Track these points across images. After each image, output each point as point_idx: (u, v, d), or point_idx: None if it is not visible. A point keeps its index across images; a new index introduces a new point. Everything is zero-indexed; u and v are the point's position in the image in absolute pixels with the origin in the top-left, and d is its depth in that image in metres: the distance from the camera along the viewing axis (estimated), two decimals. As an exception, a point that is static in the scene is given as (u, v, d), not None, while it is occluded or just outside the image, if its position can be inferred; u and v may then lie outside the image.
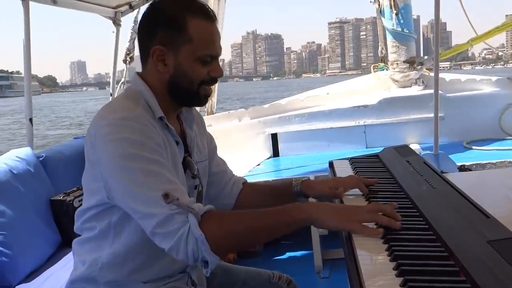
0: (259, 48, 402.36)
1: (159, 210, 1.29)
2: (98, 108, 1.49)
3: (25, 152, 2.83)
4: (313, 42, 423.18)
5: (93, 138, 1.40)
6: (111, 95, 4.40)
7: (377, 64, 5.87)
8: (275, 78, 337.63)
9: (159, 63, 1.47)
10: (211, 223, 1.31)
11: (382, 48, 5.69)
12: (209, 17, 1.47)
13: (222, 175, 1.78)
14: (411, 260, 1.09)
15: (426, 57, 5.27)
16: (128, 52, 4.40)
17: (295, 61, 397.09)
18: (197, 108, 4.94)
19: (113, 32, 4.21)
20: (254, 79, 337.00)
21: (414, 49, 5.24)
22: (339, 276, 3.29)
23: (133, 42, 4.42)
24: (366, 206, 1.38)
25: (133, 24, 4.36)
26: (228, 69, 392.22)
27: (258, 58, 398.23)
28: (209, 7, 1.50)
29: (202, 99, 1.53)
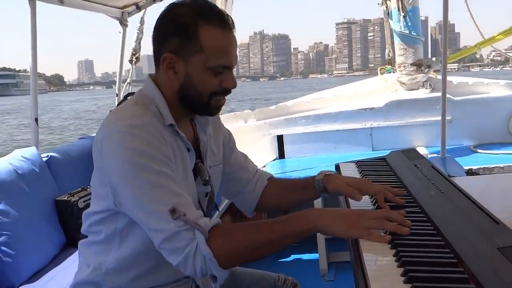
0: (266, 48, 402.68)
1: (166, 226, 1.28)
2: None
3: (30, 152, 2.82)
4: (321, 43, 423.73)
5: (100, 144, 1.38)
6: (116, 95, 4.40)
7: (384, 67, 5.85)
8: (282, 79, 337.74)
9: (169, 71, 1.42)
10: (218, 239, 1.29)
11: (390, 51, 5.66)
12: (225, 25, 1.40)
13: (243, 171, 1.75)
14: (419, 266, 1.07)
15: (434, 58, 5.23)
16: (134, 53, 4.40)
17: (302, 62, 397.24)
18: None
19: (120, 32, 4.21)
20: (261, 79, 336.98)
21: (421, 51, 5.21)
22: (344, 279, 3.28)
23: (139, 43, 4.42)
24: (373, 212, 1.35)
25: (139, 25, 4.36)
26: (235, 69, 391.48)
27: (265, 58, 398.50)
28: (227, 14, 1.43)
29: (213, 110, 1.49)
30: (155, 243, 1.31)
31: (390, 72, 5.62)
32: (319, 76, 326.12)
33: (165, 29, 1.42)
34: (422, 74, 5.12)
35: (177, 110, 1.47)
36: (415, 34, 5.12)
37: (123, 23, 4.17)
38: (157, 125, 1.39)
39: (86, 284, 1.52)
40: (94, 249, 1.51)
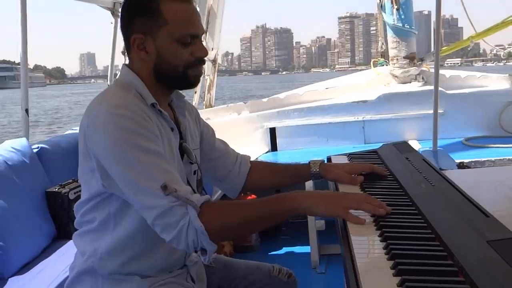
0: (269, 42, 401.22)
1: (159, 202, 1.30)
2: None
3: (20, 143, 2.80)
4: (323, 37, 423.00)
5: (86, 129, 1.40)
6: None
7: (377, 59, 5.84)
8: (284, 73, 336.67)
9: (141, 52, 1.47)
10: (209, 214, 1.33)
11: (383, 43, 5.65)
12: None
13: (226, 156, 1.79)
14: (409, 259, 1.07)
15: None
16: (126, 44, 4.37)
17: (305, 56, 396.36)
18: (195, 101, 4.91)
19: (112, 23, 4.17)
20: (262, 73, 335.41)
21: (414, 44, 5.20)
22: (335, 272, 3.28)
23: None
24: (354, 194, 1.42)
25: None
26: (237, 63, 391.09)
27: (267, 52, 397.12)
28: None
29: (192, 81, 1.53)
30: (148, 220, 1.34)
31: (383, 65, 5.61)
32: (321, 70, 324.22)
33: (129, 12, 1.48)
34: (414, 67, 5.12)
35: (156, 91, 1.50)
36: (408, 27, 5.11)
37: (115, 14, 4.13)
38: (140, 105, 1.42)
39: (82, 274, 1.52)
40: (88, 237, 1.51)
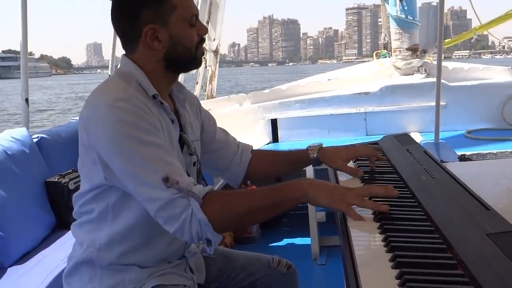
0: (275, 33, 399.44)
1: (161, 195, 1.31)
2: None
3: (20, 132, 2.80)
4: (330, 28, 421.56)
5: (87, 121, 1.39)
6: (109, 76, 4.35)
7: (379, 51, 5.81)
8: (290, 64, 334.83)
9: (153, 42, 1.46)
10: (212, 205, 1.33)
11: (385, 35, 5.63)
12: None
13: (227, 146, 1.80)
14: (408, 251, 1.06)
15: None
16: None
17: (311, 47, 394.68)
18: (197, 92, 4.90)
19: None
20: (269, 64, 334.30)
21: (417, 36, 5.17)
22: (335, 263, 3.28)
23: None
24: (357, 189, 1.40)
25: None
26: (243, 54, 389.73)
27: (274, 43, 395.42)
28: None
29: (200, 61, 1.56)
30: (150, 212, 1.34)
31: (386, 57, 5.59)
32: (328, 61, 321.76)
33: (134, 6, 1.46)
34: (417, 59, 5.10)
35: (158, 82, 1.50)
36: (411, 18, 5.08)
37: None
38: (141, 97, 1.42)
39: (80, 264, 1.52)
40: (87, 228, 1.51)
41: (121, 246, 1.48)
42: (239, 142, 1.84)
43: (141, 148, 1.33)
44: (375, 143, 2.17)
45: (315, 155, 1.77)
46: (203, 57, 1.58)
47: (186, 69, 1.63)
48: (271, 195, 1.40)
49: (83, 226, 1.52)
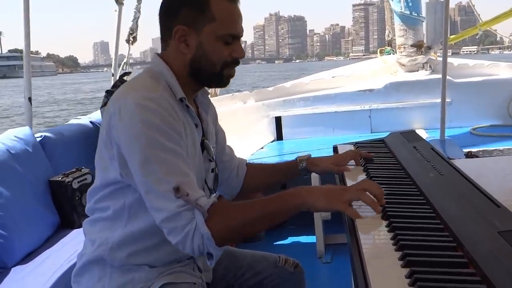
0: (282, 30, 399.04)
1: (168, 206, 1.31)
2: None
3: (23, 131, 2.78)
4: (337, 25, 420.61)
5: (112, 116, 1.39)
6: (112, 75, 4.34)
7: (383, 48, 5.79)
8: (297, 61, 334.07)
9: (181, 44, 1.46)
10: (216, 219, 1.33)
11: (390, 32, 5.60)
12: None
13: (231, 162, 1.81)
14: (417, 250, 1.04)
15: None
16: (131, 32, 4.33)
17: (318, 44, 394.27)
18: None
19: (116, 11, 4.14)
20: (276, 62, 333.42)
21: (422, 32, 5.15)
22: (341, 261, 3.26)
23: (136, 22, 4.35)
24: (355, 185, 1.43)
25: (136, 3, 4.29)
26: (250, 51, 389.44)
27: (280, 40, 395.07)
28: None
29: (224, 81, 1.54)
30: (156, 220, 1.34)
31: (390, 54, 5.56)
32: (334, 58, 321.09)
33: (176, 3, 1.47)
34: (422, 56, 5.07)
35: (185, 86, 1.49)
36: (415, 14, 5.06)
37: (119, 2, 4.10)
38: (169, 99, 1.42)
39: (91, 263, 1.51)
40: (100, 225, 1.50)
41: (133, 246, 1.47)
42: (237, 157, 1.87)
43: (160, 153, 1.32)
44: (381, 140, 2.15)
45: (304, 165, 1.80)
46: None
47: (208, 84, 1.59)
48: (270, 205, 1.40)
49: (96, 223, 1.52)
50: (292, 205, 1.39)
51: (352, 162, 1.85)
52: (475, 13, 5.40)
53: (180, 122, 1.41)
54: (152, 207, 1.34)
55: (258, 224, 1.41)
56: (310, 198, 1.37)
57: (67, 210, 2.74)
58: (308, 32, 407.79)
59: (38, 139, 2.85)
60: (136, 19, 4.32)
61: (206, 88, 1.64)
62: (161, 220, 1.32)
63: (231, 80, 1.57)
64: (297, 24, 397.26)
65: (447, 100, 3.70)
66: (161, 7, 1.51)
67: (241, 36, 1.51)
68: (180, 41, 1.45)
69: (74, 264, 1.58)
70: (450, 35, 5.26)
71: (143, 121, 1.33)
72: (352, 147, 2.08)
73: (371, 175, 1.64)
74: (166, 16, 1.49)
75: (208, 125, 1.62)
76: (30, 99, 3.17)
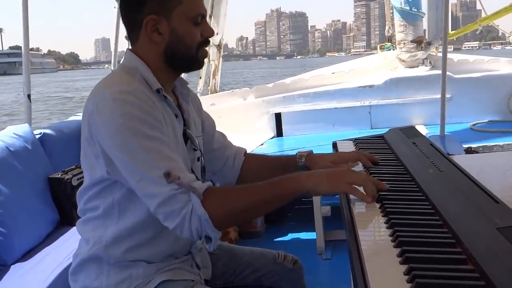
0: (283, 26, 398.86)
1: (161, 190, 1.29)
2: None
3: (22, 129, 2.78)
4: (338, 20, 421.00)
5: (91, 114, 1.38)
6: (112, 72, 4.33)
7: (383, 44, 5.78)
8: (298, 57, 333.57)
9: (153, 34, 1.45)
10: (212, 201, 1.32)
11: (389, 27, 5.60)
12: None
13: (223, 150, 1.78)
14: (416, 246, 1.03)
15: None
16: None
17: (320, 40, 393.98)
18: (200, 87, 4.87)
19: (115, 7, 4.13)
20: (277, 58, 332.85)
21: (422, 28, 5.15)
22: (341, 258, 3.26)
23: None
24: (357, 171, 1.42)
25: None
26: (251, 47, 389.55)
27: (282, 36, 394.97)
28: None
29: (201, 62, 1.54)
30: (150, 208, 1.33)
31: (390, 50, 5.56)
32: (336, 54, 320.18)
33: None
34: (422, 52, 5.07)
35: (161, 77, 1.49)
36: (415, 10, 5.05)
37: (119, -2, 4.08)
38: (145, 91, 1.41)
39: (87, 261, 1.51)
40: (93, 225, 1.50)
41: (128, 242, 1.47)
42: (234, 146, 1.83)
43: (145, 143, 1.32)
44: (381, 136, 2.15)
45: (302, 161, 1.74)
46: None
47: (186, 69, 1.59)
48: (270, 189, 1.39)
49: (89, 223, 1.51)
50: (292, 189, 1.37)
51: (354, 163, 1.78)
52: (481, 6, 5.37)
53: (159, 112, 1.41)
54: (145, 195, 1.33)
55: (257, 209, 1.42)
56: (311, 182, 1.36)
57: (66, 207, 2.74)
58: (309, 28, 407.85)
59: (37, 136, 2.85)
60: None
61: (184, 79, 1.63)
62: (156, 205, 1.31)
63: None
64: (299, 20, 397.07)
65: (447, 96, 3.70)
66: (122, 2, 1.50)
67: (206, 14, 1.53)
68: (152, 31, 1.44)
69: (73, 262, 1.58)
70: (452, 30, 5.25)
71: (123, 114, 1.32)
72: (351, 143, 2.07)
73: (370, 171, 1.64)
74: (131, 9, 1.48)
75: (190, 115, 1.61)
76: (29, 96, 3.17)
